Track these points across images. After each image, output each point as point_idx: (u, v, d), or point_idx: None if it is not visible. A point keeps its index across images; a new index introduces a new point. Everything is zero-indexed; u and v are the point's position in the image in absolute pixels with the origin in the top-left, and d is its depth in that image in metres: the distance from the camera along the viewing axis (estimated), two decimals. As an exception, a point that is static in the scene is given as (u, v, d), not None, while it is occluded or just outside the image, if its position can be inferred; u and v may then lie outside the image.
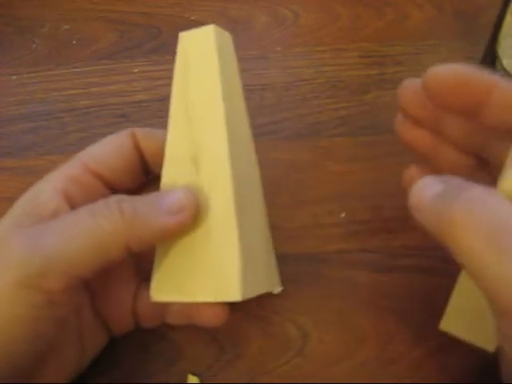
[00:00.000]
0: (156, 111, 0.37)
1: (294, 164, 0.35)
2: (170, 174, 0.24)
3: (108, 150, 0.25)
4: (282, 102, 0.38)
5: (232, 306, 0.29)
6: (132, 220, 0.20)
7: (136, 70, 0.39)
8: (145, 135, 0.26)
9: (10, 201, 0.34)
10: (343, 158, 0.34)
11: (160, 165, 0.25)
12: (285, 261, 0.30)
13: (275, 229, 0.32)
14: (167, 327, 0.28)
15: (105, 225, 0.20)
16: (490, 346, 0.23)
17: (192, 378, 0.27)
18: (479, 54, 0.37)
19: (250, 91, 0.38)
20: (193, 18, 0.43)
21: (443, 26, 0.41)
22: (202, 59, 0.24)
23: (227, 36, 0.25)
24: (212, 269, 0.22)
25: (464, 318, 0.23)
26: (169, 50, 0.41)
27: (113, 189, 0.26)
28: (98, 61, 0.40)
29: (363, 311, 0.28)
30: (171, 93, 0.24)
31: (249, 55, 0.40)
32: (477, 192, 0.18)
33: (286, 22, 0.42)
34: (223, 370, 0.27)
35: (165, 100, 0.36)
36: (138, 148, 0.26)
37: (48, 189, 0.23)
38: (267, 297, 0.29)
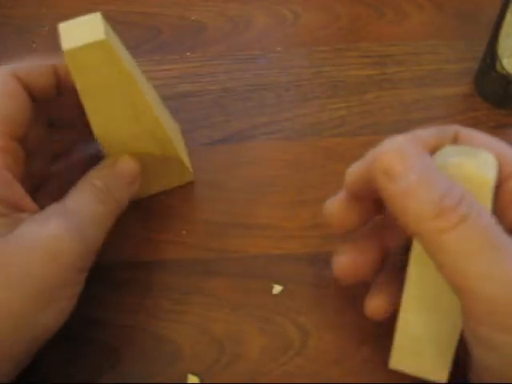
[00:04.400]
0: (156, 111, 0.37)
1: (294, 164, 0.35)
2: None
3: (9, 107, 0.25)
4: (282, 102, 0.38)
5: (232, 307, 0.29)
6: (119, 200, 0.28)
7: (136, 70, 0.39)
8: (28, 74, 0.26)
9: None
10: (343, 158, 0.34)
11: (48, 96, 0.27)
12: (285, 261, 0.30)
13: (275, 229, 0.32)
14: (167, 327, 0.28)
15: (111, 208, 0.27)
16: (442, 377, 0.23)
17: (192, 378, 0.27)
18: (479, 54, 0.37)
19: (250, 91, 0.38)
20: (193, 18, 0.43)
21: (443, 26, 0.41)
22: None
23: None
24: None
25: (412, 353, 0.23)
26: (169, 49, 0.41)
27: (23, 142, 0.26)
28: (98, 61, 0.40)
29: (363, 311, 0.28)
30: None
31: (249, 55, 0.40)
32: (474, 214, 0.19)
33: (286, 22, 0.42)
34: (223, 370, 0.27)
35: (165, 100, 0.36)
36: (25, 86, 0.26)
37: None
38: (267, 297, 0.29)
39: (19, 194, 0.25)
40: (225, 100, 0.38)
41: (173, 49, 0.41)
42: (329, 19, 0.42)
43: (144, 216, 0.32)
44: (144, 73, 0.30)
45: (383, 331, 0.28)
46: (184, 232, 0.32)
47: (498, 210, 0.22)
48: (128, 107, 0.27)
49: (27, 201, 0.25)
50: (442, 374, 0.23)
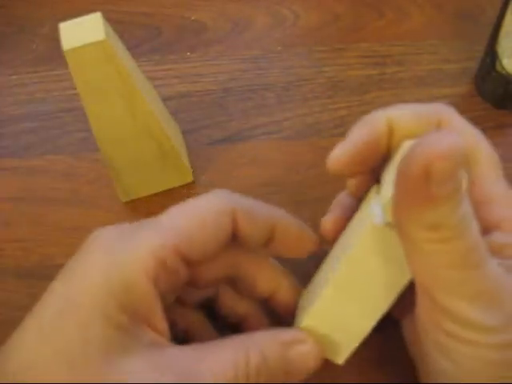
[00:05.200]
0: (156, 111, 0.37)
1: (294, 164, 0.34)
2: None
3: (207, 236, 0.21)
4: (282, 102, 0.38)
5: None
6: None
7: (136, 70, 0.39)
8: (247, 222, 0.22)
9: (11, 201, 0.34)
10: (343, 158, 0.34)
11: (252, 242, 0.23)
12: (285, 261, 0.30)
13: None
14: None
15: None
16: (339, 359, 0.23)
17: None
18: (479, 53, 0.37)
19: (250, 91, 0.38)
20: (193, 18, 0.43)
21: (443, 26, 0.41)
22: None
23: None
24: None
25: (319, 329, 0.23)
26: (169, 49, 0.41)
27: (190, 264, 0.22)
28: (98, 61, 0.40)
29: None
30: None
31: (249, 55, 0.40)
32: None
33: (286, 22, 0.42)
34: (223, 369, 0.27)
35: (165, 100, 0.36)
36: (235, 229, 0.23)
37: (140, 276, 0.20)
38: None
39: (155, 315, 0.20)
40: (225, 100, 0.38)
41: (173, 49, 0.41)
42: (329, 19, 0.42)
43: (144, 216, 0.32)
44: (144, 73, 0.30)
45: (383, 331, 0.28)
46: (184, 232, 0.32)
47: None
48: (127, 107, 0.27)
49: (161, 323, 0.20)
50: (340, 358, 0.23)
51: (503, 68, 0.34)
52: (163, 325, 0.20)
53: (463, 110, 0.37)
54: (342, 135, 0.36)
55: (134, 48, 0.41)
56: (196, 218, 0.21)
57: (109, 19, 0.25)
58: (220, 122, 0.37)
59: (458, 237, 0.17)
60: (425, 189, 0.16)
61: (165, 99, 0.36)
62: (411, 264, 0.19)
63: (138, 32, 0.42)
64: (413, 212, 0.17)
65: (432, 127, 0.22)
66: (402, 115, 0.22)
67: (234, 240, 0.23)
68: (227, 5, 0.43)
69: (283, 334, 0.22)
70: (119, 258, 0.20)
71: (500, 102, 0.36)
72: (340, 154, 0.23)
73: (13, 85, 0.40)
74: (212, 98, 0.38)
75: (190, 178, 0.34)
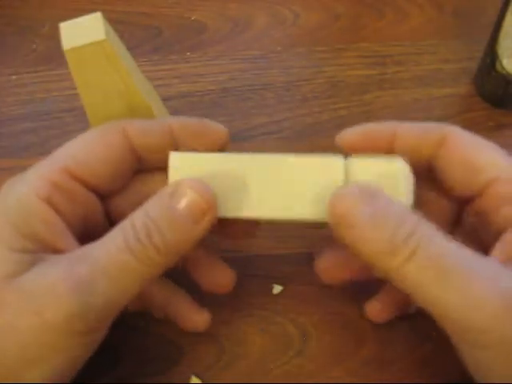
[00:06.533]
0: (156, 111, 0.37)
1: (294, 164, 0.34)
2: None
3: (96, 154, 0.23)
4: (281, 102, 0.38)
5: (232, 307, 0.29)
6: (166, 252, 0.20)
7: (136, 70, 0.39)
8: (140, 133, 0.24)
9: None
10: (343, 158, 0.34)
11: (158, 160, 0.24)
12: (285, 261, 0.30)
13: (275, 229, 0.32)
14: (168, 327, 0.28)
15: (148, 264, 0.20)
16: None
17: (195, 379, 0.27)
18: (479, 53, 0.37)
19: (250, 91, 0.38)
20: (193, 18, 0.43)
21: (443, 26, 0.41)
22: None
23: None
24: None
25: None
26: (169, 50, 0.41)
27: (96, 191, 0.24)
28: (98, 61, 0.40)
29: (363, 311, 0.28)
30: None
31: (249, 55, 0.40)
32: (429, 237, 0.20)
33: (286, 22, 0.42)
34: (223, 370, 0.27)
35: (165, 100, 0.36)
36: (130, 147, 0.24)
37: (32, 199, 0.21)
38: (267, 297, 0.29)
39: (57, 233, 0.22)
40: (225, 100, 0.38)
41: (173, 49, 0.41)
42: (329, 19, 0.42)
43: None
44: (144, 73, 0.30)
45: (383, 331, 0.28)
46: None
47: (484, 214, 0.23)
48: (127, 107, 0.27)
49: (67, 243, 0.22)
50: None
51: (503, 68, 0.34)
52: (66, 242, 0.22)
53: (463, 110, 0.37)
54: (342, 135, 0.36)
55: (134, 48, 0.41)
56: (84, 140, 0.24)
57: (109, 19, 0.25)
58: (220, 122, 0.37)
59: (417, 251, 0.19)
60: (347, 233, 0.21)
61: (165, 99, 0.36)
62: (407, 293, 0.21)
63: (138, 32, 0.42)
64: None
65: (433, 142, 0.23)
66: (407, 127, 0.24)
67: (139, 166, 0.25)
68: (227, 5, 0.43)
69: (163, 189, 0.21)
70: (15, 189, 0.22)
71: (500, 101, 0.36)
72: (349, 131, 0.24)
73: (13, 85, 0.40)
74: (212, 98, 0.38)
75: None
